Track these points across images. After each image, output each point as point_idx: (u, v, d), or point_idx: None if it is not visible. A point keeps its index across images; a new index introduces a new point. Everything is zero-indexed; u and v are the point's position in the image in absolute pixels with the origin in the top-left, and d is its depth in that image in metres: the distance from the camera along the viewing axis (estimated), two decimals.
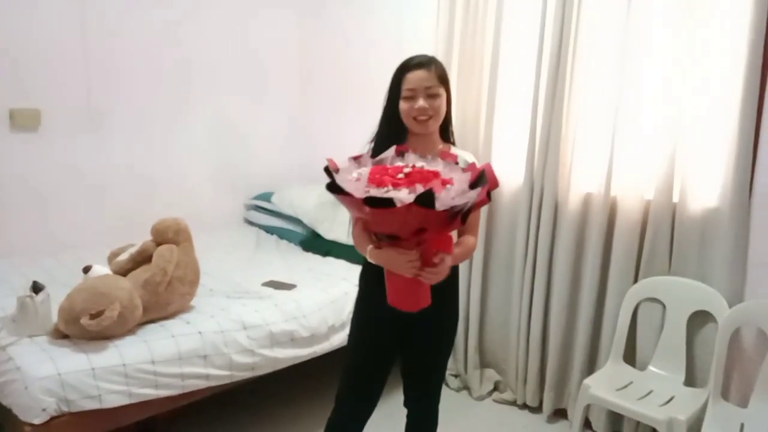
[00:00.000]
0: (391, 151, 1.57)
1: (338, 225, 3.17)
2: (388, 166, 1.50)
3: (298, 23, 3.92)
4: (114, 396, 1.91)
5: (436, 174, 1.41)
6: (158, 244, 2.28)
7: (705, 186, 2.37)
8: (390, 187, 1.36)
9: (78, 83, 3.02)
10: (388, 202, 1.33)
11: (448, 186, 1.39)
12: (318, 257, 3.19)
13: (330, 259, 3.12)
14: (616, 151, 2.53)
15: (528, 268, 2.83)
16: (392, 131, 1.79)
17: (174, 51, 3.37)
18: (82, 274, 2.21)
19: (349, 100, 3.73)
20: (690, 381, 2.43)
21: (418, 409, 1.96)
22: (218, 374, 2.17)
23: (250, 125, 3.78)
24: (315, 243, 3.30)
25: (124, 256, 2.28)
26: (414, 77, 1.73)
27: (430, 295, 1.59)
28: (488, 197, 1.42)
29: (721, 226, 2.31)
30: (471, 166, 1.53)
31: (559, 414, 2.86)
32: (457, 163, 1.52)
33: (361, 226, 1.64)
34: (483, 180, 1.43)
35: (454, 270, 1.77)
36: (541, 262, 2.78)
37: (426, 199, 1.31)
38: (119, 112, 3.18)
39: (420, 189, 1.34)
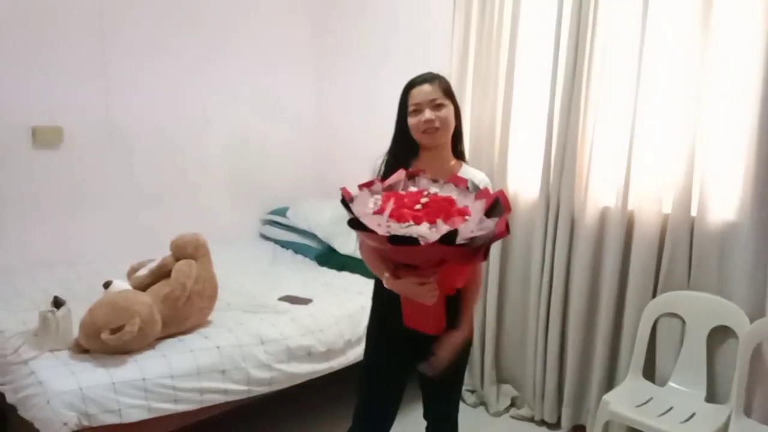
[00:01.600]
0: (401, 174, 1.60)
1: (353, 239, 3.18)
2: (401, 192, 1.52)
3: (313, 37, 3.97)
4: (134, 410, 1.92)
5: (451, 202, 1.43)
6: (177, 259, 2.30)
7: (724, 199, 2.35)
8: (411, 222, 1.37)
9: (98, 101, 3.07)
10: (413, 241, 1.34)
11: (467, 218, 1.40)
12: (333, 272, 3.20)
13: (345, 274, 3.13)
14: (633, 165, 2.52)
15: (545, 282, 2.81)
16: (404, 148, 1.83)
17: (191, 66, 3.42)
18: (101, 288, 2.24)
19: (363, 115, 3.76)
20: (711, 397, 2.39)
21: (437, 421, 1.96)
22: (236, 389, 2.18)
23: (265, 140, 3.82)
24: (330, 257, 3.31)
25: (143, 271, 2.30)
26: (418, 92, 1.77)
27: (445, 316, 1.62)
28: (507, 229, 1.42)
29: (741, 240, 2.29)
30: (483, 192, 1.54)
31: (578, 430, 2.82)
32: (467, 188, 1.55)
33: (377, 252, 1.63)
34: (498, 209, 1.45)
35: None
36: (557, 276, 2.76)
37: (450, 239, 1.33)
38: (138, 128, 3.23)
39: (442, 225, 1.35)
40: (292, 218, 3.63)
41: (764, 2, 2.16)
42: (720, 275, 2.39)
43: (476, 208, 1.46)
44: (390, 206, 1.41)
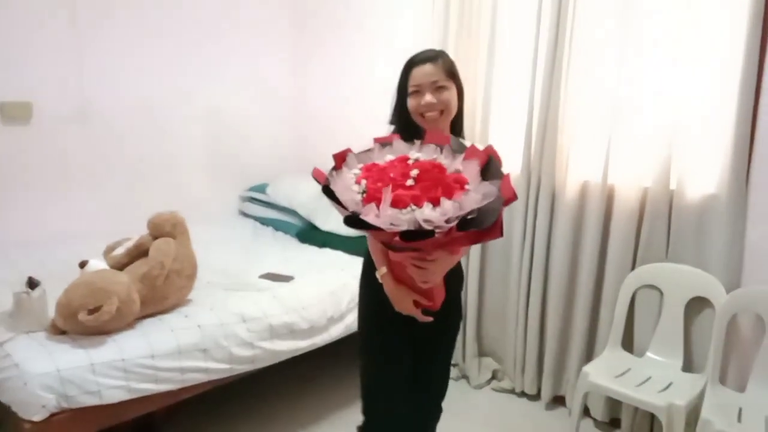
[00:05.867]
0: (374, 147, 1.47)
1: (334, 216, 3.15)
2: (379, 162, 1.39)
3: (293, 15, 3.89)
4: (114, 391, 1.90)
5: (441, 169, 1.31)
6: (155, 237, 2.26)
7: (702, 173, 2.38)
8: (412, 206, 1.24)
9: (71, 76, 2.98)
10: (427, 234, 1.22)
11: (467, 186, 1.28)
12: (315, 248, 3.17)
13: (327, 250, 3.11)
14: (614, 140, 2.53)
15: (525, 256, 2.83)
16: (404, 131, 1.66)
17: (169, 42, 3.33)
18: (77, 268, 2.19)
19: (342, 92, 3.72)
20: (688, 367, 2.45)
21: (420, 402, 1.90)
22: (218, 368, 2.16)
23: (243, 117, 3.75)
24: (311, 234, 3.29)
25: (120, 250, 2.26)
26: (419, 72, 1.67)
27: (443, 291, 1.58)
28: (514, 193, 1.28)
29: (719, 213, 2.32)
30: (472, 150, 1.39)
31: (558, 401, 2.87)
32: (450, 146, 1.41)
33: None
34: (494, 169, 1.34)
35: (458, 268, 1.76)
36: (538, 250, 2.78)
37: (467, 224, 1.23)
38: (114, 105, 3.14)
39: (446, 204, 1.23)
40: (272, 195, 3.59)
41: None
42: (697, 248, 2.42)
43: (470, 171, 1.34)
44: (388, 195, 1.25)
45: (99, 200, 3.15)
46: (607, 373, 2.40)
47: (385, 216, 1.24)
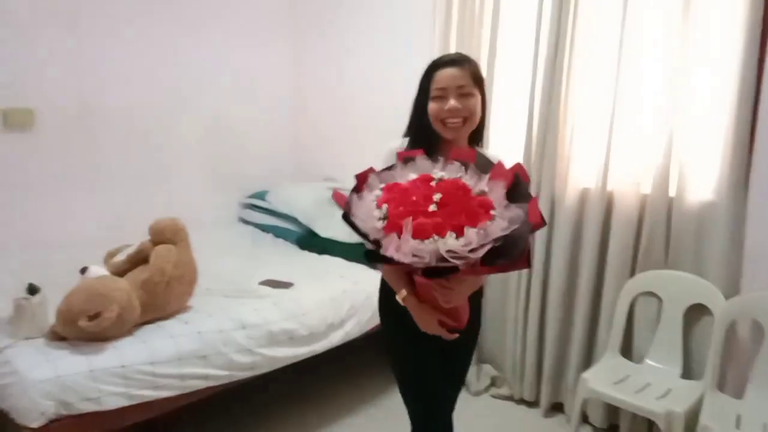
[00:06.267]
0: (397, 166, 1.41)
1: (334, 222, 3.16)
2: (401, 181, 1.34)
3: (291, 18, 3.91)
4: (113, 398, 1.90)
5: (466, 191, 1.26)
6: (156, 244, 2.26)
7: (701, 180, 2.38)
8: (435, 237, 1.18)
9: (70, 82, 2.99)
10: (451, 270, 1.18)
11: (493, 213, 1.23)
12: (314, 255, 3.18)
13: (326, 257, 3.11)
14: (613, 146, 2.54)
15: None
16: (421, 139, 1.60)
17: (169, 49, 3.35)
18: (77, 274, 2.19)
19: (342, 97, 3.73)
20: (687, 374, 2.45)
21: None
22: (217, 374, 2.17)
23: (242, 123, 3.76)
24: (311, 241, 3.29)
25: (120, 257, 2.26)
26: (444, 75, 1.56)
27: (468, 308, 1.54)
28: (543, 219, 1.24)
29: (718, 220, 2.33)
30: (498, 169, 1.33)
31: (556, 408, 2.87)
32: (475, 164, 1.36)
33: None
34: (521, 190, 1.27)
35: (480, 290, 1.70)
36: (537, 256, 2.78)
37: (494, 254, 1.18)
38: (112, 110, 3.16)
39: (470, 233, 1.18)
40: (272, 202, 3.59)
41: None
42: (697, 255, 2.43)
43: (496, 193, 1.27)
44: (409, 226, 1.19)
45: (100, 207, 3.16)
46: (606, 379, 2.41)
47: (406, 247, 1.19)
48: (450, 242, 1.18)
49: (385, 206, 1.27)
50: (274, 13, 3.85)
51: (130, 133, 3.24)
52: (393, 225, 1.23)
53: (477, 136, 1.69)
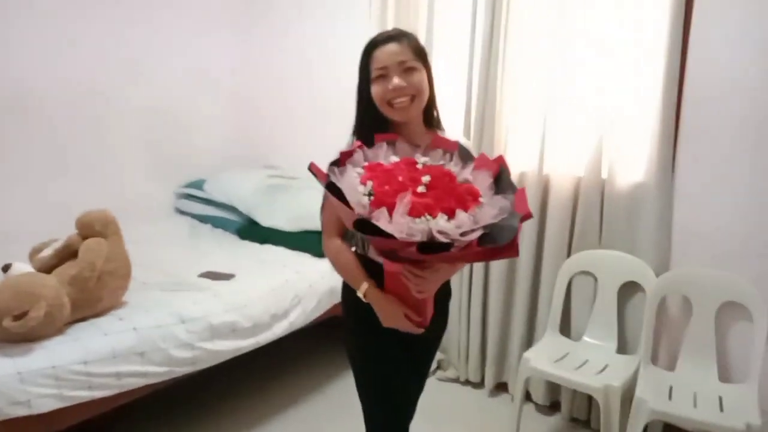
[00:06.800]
0: (382, 146, 1.36)
1: (276, 211, 3.11)
2: (384, 162, 1.31)
3: (239, 9, 3.80)
4: (45, 400, 1.80)
5: (452, 177, 1.23)
6: (84, 237, 2.15)
7: (632, 163, 2.47)
8: (427, 216, 1.16)
9: (2, 65, 2.80)
10: (445, 247, 1.15)
11: (481, 199, 1.22)
12: (256, 245, 3.11)
13: (268, 247, 3.05)
14: (548, 132, 2.60)
15: None
16: (370, 124, 1.50)
17: (107, 29, 3.18)
18: (1, 273, 2.07)
19: (284, 82, 3.66)
20: (622, 349, 2.55)
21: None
22: (156, 371, 2.09)
23: (184, 111, 3.63)
24: (252, 230, 3.22)
25: (47, 252, 2.14)
26: (384, 53, 1.45)
27: (432, 305, 1.48)
28: (529, 211, 1.21)
29: (647, 201, 2.42)
30: (482, 160, 1.31)
31: (501, 388, 2.94)
32: (458, 151, 1.33)
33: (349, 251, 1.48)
34: (506, 181, 1.26)
35: (447, 285, 1.67)
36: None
37: (489, 240, 1.16)
38: (44, 93, 2.97)
39: (462, 216, 1.17)
40: (210, 191, 3.49)
41: None
42: (628, 234, 2.52)
43: (482, 182, 1.26)
44: (405, 202, 1.17)
45: (24, 197, 2.96)
46: (547, 358, 2.47)
47: (397, 223, 1.16)
48: (441, 223, 1.16)
49: (370, 183, 1.23)
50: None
51: (63, 119, 3.06)
52: (380, 201, 1.20)
53: (430, 116, 1.58)
